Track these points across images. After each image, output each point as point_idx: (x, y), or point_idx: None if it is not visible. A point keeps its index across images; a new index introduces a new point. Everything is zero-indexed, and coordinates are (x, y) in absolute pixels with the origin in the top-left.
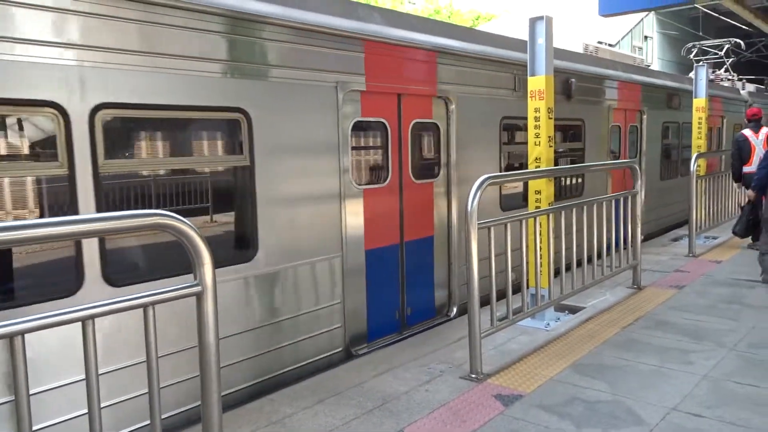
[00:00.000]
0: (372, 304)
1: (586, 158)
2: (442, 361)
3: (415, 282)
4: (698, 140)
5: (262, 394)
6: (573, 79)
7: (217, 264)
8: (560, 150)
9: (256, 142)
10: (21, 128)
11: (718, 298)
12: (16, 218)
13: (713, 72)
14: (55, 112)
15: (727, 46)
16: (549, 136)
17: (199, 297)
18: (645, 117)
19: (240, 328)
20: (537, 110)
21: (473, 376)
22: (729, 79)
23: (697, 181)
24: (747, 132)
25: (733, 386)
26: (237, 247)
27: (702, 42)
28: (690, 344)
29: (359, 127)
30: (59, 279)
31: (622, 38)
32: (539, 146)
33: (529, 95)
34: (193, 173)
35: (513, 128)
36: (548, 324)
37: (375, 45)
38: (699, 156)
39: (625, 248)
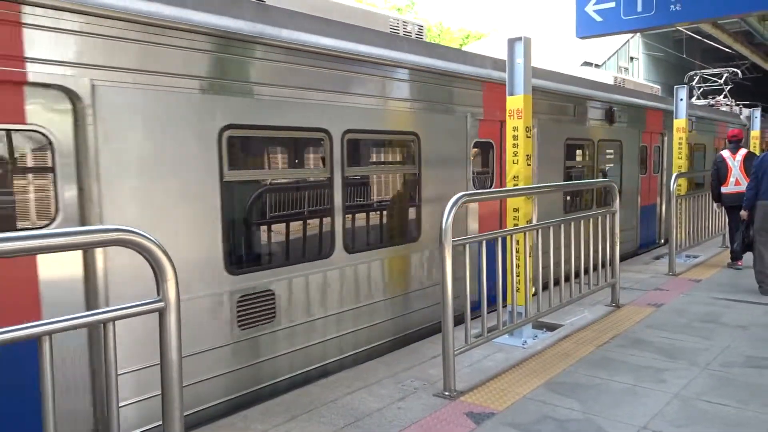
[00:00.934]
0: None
1: (623, 172)
2: (417, 378)
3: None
4: (678, 160)
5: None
6: (615, 107)
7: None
8: (606, 166)
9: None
10: (308, 146)
11: (694, 317)
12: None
13: (713, 98)
14: (325, 135)
15: (726, 75)
16: (527, 155)
17: (162, 313)
18: (666, 138)
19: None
20: (515, 129)
21: (446, 393)
22: (728, 105)
23: (677, 201)
24: (725, 153)
25: (704, 405)
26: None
27: (703, 71)
28: (664, 363)
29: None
30: (324, 247)
31: (609, 59)
32: (517, 164)
33: (507, 114)
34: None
35: (574, 147)
36: (525, 341)
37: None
38: (679, 176)
39: (603, 267)
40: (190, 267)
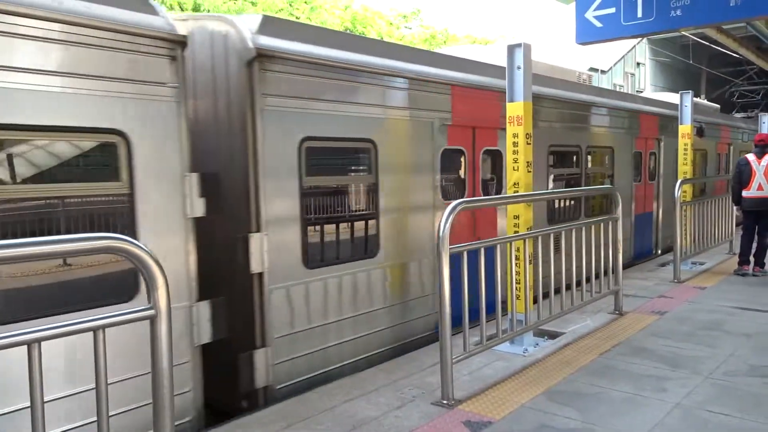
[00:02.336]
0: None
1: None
2: (416, 386)
3: None
4: (684, 166)
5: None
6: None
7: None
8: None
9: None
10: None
11: (698, 325)
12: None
13: (753, 111)
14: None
15: (763, 90)
16: (528, 162)
17: (153, 321)
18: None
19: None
20: (515, 135)
21: (445, 402)
22: None
23: (682, 207)
24: (750, 156)
25: (706, 415)
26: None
27: (740, 87)
28: (666, 371)
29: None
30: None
31: (615, 64)
32: (518, 171)
33: (507, 121)
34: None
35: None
36: (526, 349)
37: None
38: (683, 182)
39: (606, 275)
40: None
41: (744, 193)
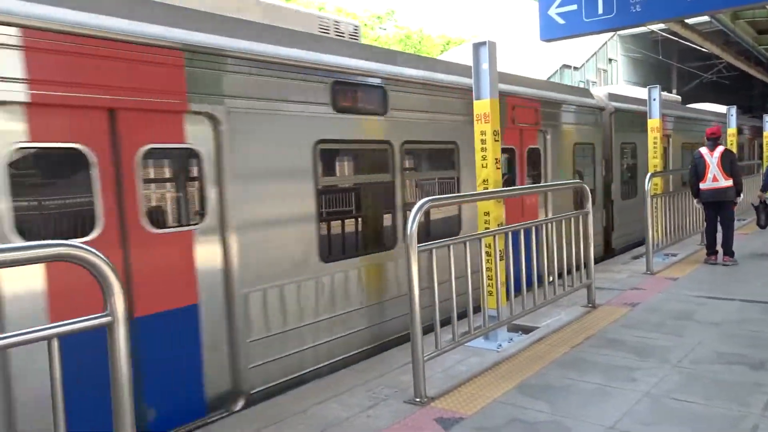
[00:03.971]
0: None
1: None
2: (388, 385)
3: None
4: (654, 159)
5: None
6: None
7: None
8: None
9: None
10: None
11: (668, 315)
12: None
13: None
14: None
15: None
16: (496, 158)
17: (110, 328)
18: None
19: None
20: (483, 133)
21: (417, 399)
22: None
23: (652, 199)
24: (703, 150)
25: (673, 403)
26: None
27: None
28: (636, 362)
29: None
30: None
31: (587, 61)
32: (486, 168)
33: (474, 119)
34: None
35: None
36: (500, 345)
37: None
38: (653, 175)
39: (577, 269)
40: None
41: (701, 186)
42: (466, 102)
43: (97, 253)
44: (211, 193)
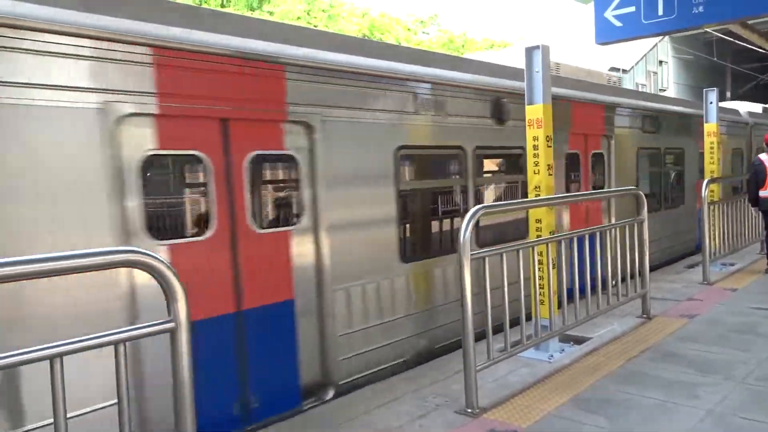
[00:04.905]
0: None
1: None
2: (439, 394)
3: None
4: (711, 165)
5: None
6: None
7: None
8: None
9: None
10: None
11: (730, 328)
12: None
13: None
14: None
15: None
16: (548, 165)
17: (173, 333)
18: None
19: None
20: (536, 138)
21: (468, 410)
22: None
23: (709, 207)
24: (763, 156)
25: (740, 422)
26: None
27: None
28: (697, 377)
29: None
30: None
31: (636, 63)
32: (538, 174)
33: (527, 124)
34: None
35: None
36: (552, 355)
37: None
38: (711, 181)
39: (632, 278)
40: None
41: (761, 193)
42: None
43: (161, 259)
44: (306, 197)
